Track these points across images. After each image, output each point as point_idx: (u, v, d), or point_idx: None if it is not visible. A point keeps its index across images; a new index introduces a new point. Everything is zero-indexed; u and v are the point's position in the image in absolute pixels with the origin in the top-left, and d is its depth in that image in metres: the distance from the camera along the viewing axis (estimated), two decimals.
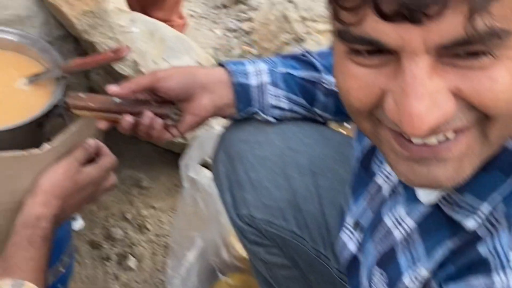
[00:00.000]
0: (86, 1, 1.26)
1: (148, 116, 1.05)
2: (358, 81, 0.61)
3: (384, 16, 0.54)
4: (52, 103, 1.10)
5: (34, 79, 1.17)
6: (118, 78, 1.32)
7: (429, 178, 0.62)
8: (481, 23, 0.53)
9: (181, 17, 2.20)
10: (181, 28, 2.19)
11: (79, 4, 1.26)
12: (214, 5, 2.75)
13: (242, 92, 1.08)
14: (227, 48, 2.48)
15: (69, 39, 1.38)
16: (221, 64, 1.11)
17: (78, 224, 1.79)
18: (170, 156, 1.85)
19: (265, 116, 1.09)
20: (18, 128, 1.08)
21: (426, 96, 0.56)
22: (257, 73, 1.09)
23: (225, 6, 2.73)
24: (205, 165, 1.47)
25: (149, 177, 1.89)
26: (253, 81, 1.08)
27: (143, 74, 1.32)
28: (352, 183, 0.92)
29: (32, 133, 1.12)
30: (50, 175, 1.09)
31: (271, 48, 2.01)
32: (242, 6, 2.73)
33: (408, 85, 0.56)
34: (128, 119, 1.06)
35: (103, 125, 1.09)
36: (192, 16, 2.67)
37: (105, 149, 1.22)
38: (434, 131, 0.58)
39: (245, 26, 2.59)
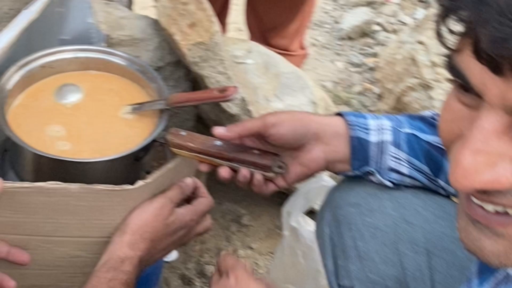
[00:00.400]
0: (200, 32, 1.20)
1: (243, 175, 0.99)
2: (449, 113, 0.61)
3: (476, 53, 0.52)
4: (152, 138, 1.05)
5: (138, 108, 1.13)
6: (224, 112, 1.25)
7: (477, 246, 0.61)
8: None
9: (302, 47, 2.12)
10: (301, 59, 2.10)
11: (192, 34, 1.20)
12: (339, 36, 2.65)
13: (359, 149, 0.97)
14: (347, 84, 2.36)
15: (181, 66, 1.34)
16: (339, 114, 1.00)
17: (172, 255, 1.73)
18: (276, 195, 1.75)
19: (381, 179, 0.98)
20: (114, 160, 1.04)
21: (484, 153, 0.53)
22: (379, 130, 0.99)
23: (350, 38, 2.62)
24: (311, 211, 1.36)
25: (250, 214, 1.80)
26: (373, 137, 0.98)
27: (250, 112, 1.23)
28: (478, 265, 0.79)
29: (129, 166, 1.08)
30: (141, 214, 1.05)
31: (395, 91, 1.88)
32: (369, 40, 2.61)
33: (472, 135, 0.54)
34: (225, 170, 1.01)
35: (204, 167, 1.04)
36: (314, 45, 2.59)
37: (202, 190, 1.16)
38: (488, 198, 0.57)
39: (369, 61, 2.46)
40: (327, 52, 2.57)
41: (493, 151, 0.53)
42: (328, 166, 1.01)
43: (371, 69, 2.43)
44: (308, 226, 1.37)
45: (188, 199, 1.16)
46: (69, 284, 1.09)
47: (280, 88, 1.45)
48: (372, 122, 1.00)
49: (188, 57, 1.20)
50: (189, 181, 1.13)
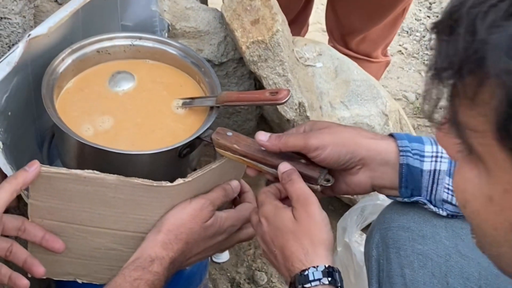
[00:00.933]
0: (261, 30, 1.15)
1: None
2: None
3: None
4: (196, 136, 1.01)
5: (188, 103, 1.11)
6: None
7: None
8: None
9: (385, 54, 2.03)
10: (382, 66, 2.02)
11: (254, 31, 1.16)
12: (429, 45, 2.53)
13: (409, 178, 0.91)
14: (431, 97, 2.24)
15: (245, 63, 1.28)
16: (392, 135, 0.93)
17: (223, 256, 1.70)
18: (337, 203, 1.69)
19: (434, 209, 0.90)
20: (156, 154, 1.02)
21: None
22: (435, 157, 0.92)
23: None
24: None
25: None
26: (427, 165, 0.90)
27: (308, 119, 1.17)
28: None
29: (173, 162, 1.06)
30: (178, 213, 1.02)
31: None
32: None
33: None
34: (269, 177, 0.98)
35: (251, 172, 1.01)
36: (401, 52, 2.49)
37: (250, 195, 1.12)
38: None
39: None
40: (414, 61, 2.47)
41: None
42: (376, 190, 0.95)
43: None
44: (362, 245, 1.30)
45: (234, 203, 1.12)
46: (106, 276, 1.07)
47: (348, 96, 1.38)
48: (428, 148, 0.93)
49: (247, 55, 1.16)
50: (235, 184, 1.09)
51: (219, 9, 1.38)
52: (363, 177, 0.94)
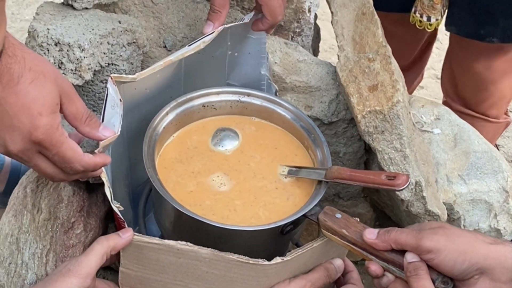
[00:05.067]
0: (380, 99, 1.07)
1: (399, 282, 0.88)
2: None
3: None
4: (302, 213, 0.95)
5: (294, 172, 1.05)
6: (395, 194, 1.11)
7: None
8: None
9: (506, 113, 1.89)
10: (501, 128, 1.89)
11: (372, 99, 1.08)
12: None
13: None
14: None
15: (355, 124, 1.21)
16: None
17: None
18: None
19: None
20: (256, 231, 0.95)
21: None
22: None
23: None
24: None
25: None
26: None
27: (424, 199, 1.08)
28: None
29: (274, 238, 1.00)
30: None
31: None
32: None
33: None
34: (376, 267, 0.91)
35: (378, 270, 0.91)
36: None
37: (354, 274, 1.05)
38: None
39: None
40: None
41: None
42: None
43: None
44: None
45: (337, 284, 1.05)
46: None
47: (468, 169, 1.27)
48: None
49: (362, 125, 1.08)
50: (338, 263, 1.02)
51: (331, 61, 1.31)
52: (485, 286, 0.85)
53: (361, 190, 1.39)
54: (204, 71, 1.12)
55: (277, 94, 1.21)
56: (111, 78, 0.95)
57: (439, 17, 1.54)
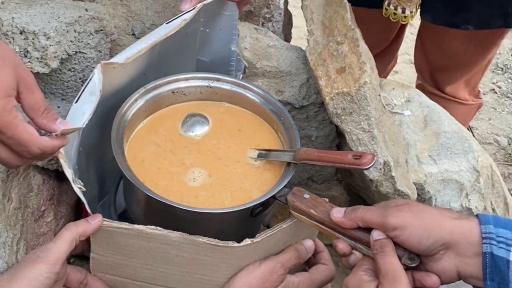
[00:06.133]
0: (347, 81, 1.07)
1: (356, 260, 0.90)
2: None
3: None
4: (270, 195, 0.95)
5: (264, 155, 1.05)
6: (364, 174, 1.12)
7: None
8: None
9: (478, 95, 1.91)
10: (473, 109, 1.90)
11: (340, 81, 1.08)
12: None
13: (493, 268, 0.82)
14: None
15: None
16: (478, 216, 0.85)
17: None
18: None
19: None
20: (226, 214, 0.96)
21: None
22: None
23: None
24: None
25: None
26: None
27: (393, 179, 1.09)
28: None
29: (244, 220, 1.00)
30: (246, 277, 0.97)
31: None
32: None
33: None
34: (344, 245, 0.91)
35: (345, 248, 0.92)
36: (494, 91, 2.36)
37: (324, 254, 1.05)
38: None
39: None
40: (508, 102, 2.33)
41: None
42: (462, 279, 0.86)
43: None
44: None
45: (308, 264, 1.05)
46: None
47: (438, 149, 1.28)
48: None
49: (330, 107, 1.09)
50: (309, 243, 1.03)
51: (303, 48, 1.32)
52: (448, 263, 0.85)
53: (334, 173, 1.40)
54: (177, 49, 1.12)
55: (246, 70, 1.21)
56: (101, 65, 0.94)
57: (414, 10, 1.53)
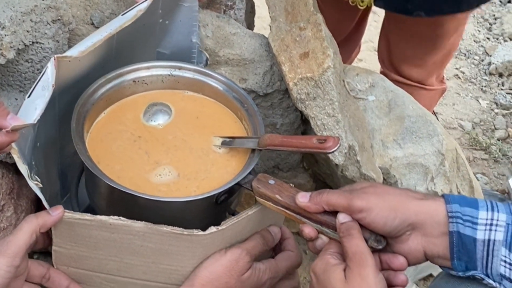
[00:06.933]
0: (311, 66, 1.06)
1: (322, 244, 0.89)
2: None
3: None
4: (235, 182, 0.94)
5: (228, 143, 1.03)
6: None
7: None
8: None
9: (442, 81, 1.91)
10: (438, 94, 1.91)
11: (303, 67, 1.07)
12: (487, 70, 2.40)
13: (461, 248, 0.82)
14: (488, 126, 2.12)
15: None
16: (444, 196, 0.84)
17: None
18: None
19: (494, 284, 0.80)
20: (191, 201, 0.94)
21: None
22: (490, 225, 0.81)
23: (500, 75, 2.37)
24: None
25: None
26: (480, 234, 0.80)
27: (358, 163, 1.08)
28: None
29: (209, 208, 0.98)
30: (212, 265, 0.95)
31: None
32: None
33: None
34: (310, 230, 0.90)
35: (311, 233, 0.90)
36: (457, 77, 2.37)
37: (290, 241, 1.04)
38: None
39: None
40: (471, 87, 2.34)
41: None
42: (429, 259, 0.85)
43: None
44: None
45: (275, 251, 1.04)
46: None
47: (402, 133, 1.28)
48: (483, 215, 0.82)
49: (294, 93, 1.07)
50: (275, 230, 1.02)
51: (266, 35, 1.30)
52: (414, 244, 0.85)
53: (300, 161, 1.39)
54: (135, 41, 1.10)
55: (208, 62, 1.19)
56: (55, 58, 0.91)
57: None
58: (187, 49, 1.16)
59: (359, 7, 1.55)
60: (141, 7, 1.04)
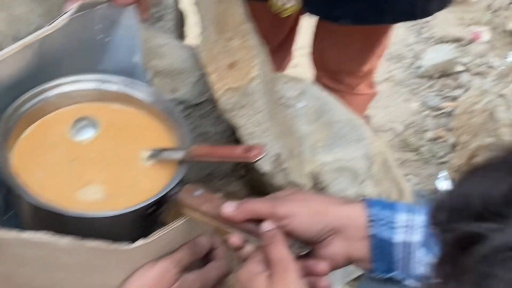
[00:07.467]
0: (236, 77, 1.07)
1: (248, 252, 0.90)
2: None
3: None
4: (162, 194, 0.93)
5: (155, 155, 1.02)
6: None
7: None
8: None
9: (371, 85, 1.95)
10: (368, 99, 1.95)
11: (229, 77, 1.08)
12: (417, 73, 2.47)
13: (381, 250, 0.83)
14: (419, 128, 2.18)
15: None
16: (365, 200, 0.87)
17: None
18: None
19: (414, 284, 0.83)
20: (117, 216, 0.93)
21: None
22: (408, 227, 0.84)
23: (429, 77, 2.43)
24: None
25: None
26: (399, 236, 0.82)
27: (286, 171, 1.09)
28: None
29: (138, 221, 0.98)
30: (140, 279, 0.95)
31: (469, 145, 1.69)
32: (450, 81, 2.41)
33: None
34: (237, 238, 0.91)
35: (237, 241, 0.92)
36: (387, 80, 2.42)
37: (219, 251, 1.04)
38: None
39: (447, 106, 2.26)
40: (402, 90, 2.39)
41: None
42: (353, 263, 0.87)
43: (448, 115, 2.23)
44: None
45: (205, 261, 1.04)
46: None
47: (331, 139, 1.30)
48: (402, 217, 0.85)
49: (221, 103, 1.08)
50: (203, 240, 1.02)
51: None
52: (338, 248, 0.87)
53: (233, 169, 1.39)
54: (70, 58, 1.07)
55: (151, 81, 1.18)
56: None
57: (294, 2, 1.52)
58: (129, 68, 1.14)
59: (282, 15, 1.55)
60: (64, 17, 1.02)
